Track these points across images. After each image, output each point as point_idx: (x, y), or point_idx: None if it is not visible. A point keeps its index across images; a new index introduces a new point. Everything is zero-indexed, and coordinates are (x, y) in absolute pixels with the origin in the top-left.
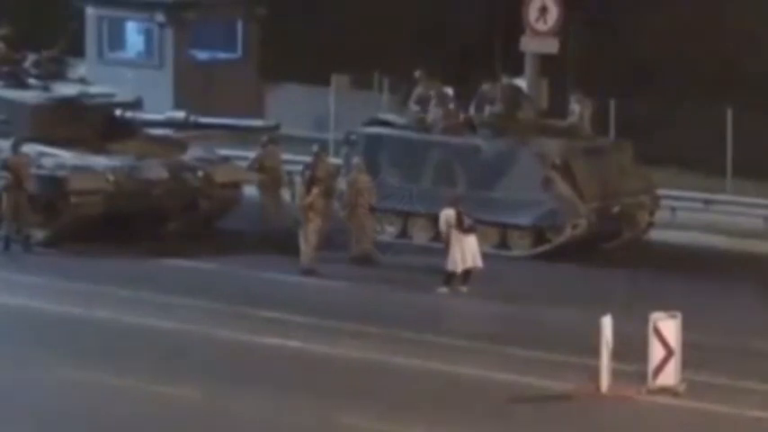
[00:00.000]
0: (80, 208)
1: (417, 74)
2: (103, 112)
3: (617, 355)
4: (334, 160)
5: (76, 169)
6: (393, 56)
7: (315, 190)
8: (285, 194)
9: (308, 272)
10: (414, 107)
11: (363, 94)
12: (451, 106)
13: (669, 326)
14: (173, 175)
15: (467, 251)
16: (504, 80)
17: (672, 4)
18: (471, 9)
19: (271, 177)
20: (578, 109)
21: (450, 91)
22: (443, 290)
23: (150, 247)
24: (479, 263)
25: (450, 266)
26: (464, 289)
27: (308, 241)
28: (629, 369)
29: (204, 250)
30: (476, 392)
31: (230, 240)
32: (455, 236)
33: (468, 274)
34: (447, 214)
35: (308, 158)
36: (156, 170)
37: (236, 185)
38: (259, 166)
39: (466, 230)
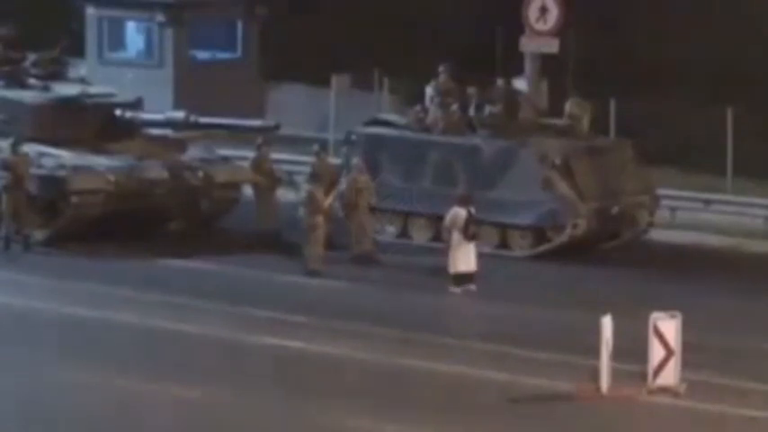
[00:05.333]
0: (80, 208)
1: (442, 68)
2: (103, 112)
3: (617, 355)
4: (334, 160)
5: (76, 169)
6: (393, 56)
7: (333, 193)
8: (287, 194)
9: (314, 273)
10: (430, 92)
11: (363, 94)
12: (454, 107)
13: (669, 326)
14: (173, 175)
15: (464, 255)
16: (500, 82)
17: (672, 3)
18: (471, 9)
19: (267, 179)
20: (577, 111)
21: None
22: (456, 290)
23: (150, 247)
24: (473, 267)
25: (451, 269)
26: (473, 287)
27: (317, 243)
28: (629, 369)
29: (204, 250)
30: (476, 392)
31: (230, 240)
32: (457, 239)
33: (470, 274)
34: (457, 213)
35: (308, 158)
36: (156, 170)
37: (236, 185)
38: (255, 169)
39: (470, 238)
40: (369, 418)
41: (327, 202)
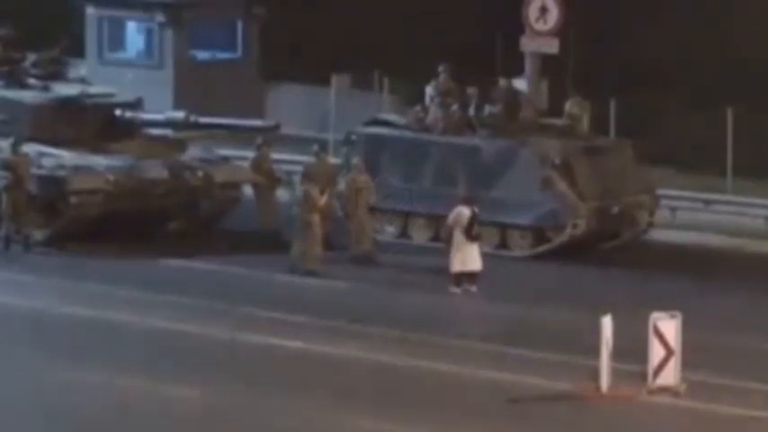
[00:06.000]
0: (80, 208)
1: (441, 68)
2: (103, 112)
3: (617, 355)
4: (334, 160)
5: (76, 169)
6: (393, 56)
7: (328, 192)
8: (284, 195)
9: (312, 273)
10: (431, 92)
11: (363, 94)
12: (454, 107)
13: (669, 326)
14: (173, 175)
15: (467, 255)
16: (503, 82)
17: (672, 4)
18: (471, 9)
19: (266, 179)
20: (576, 112)
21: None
22: (456, 290)
23: (150, 247)
24: (479, 266)
25: (451, 268)
26: (474, 288)
27: (314, 242)
28: (629, 369)
29: (204, 250)
30: (476, 392)
31: (230, 240)
32: (459, 238)
33: (474, 274)
34: (461, 213)
35: (307, 159)
36: (156, 170)
37: (236, 185)
38: (255, 169)
39: (472, 238)
40: (369, 417)
41: (322, 200)
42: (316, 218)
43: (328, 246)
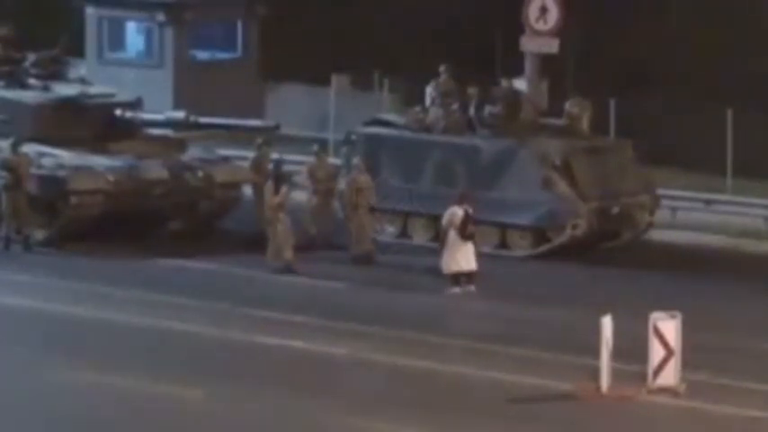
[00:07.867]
0: (80, 208)
1: (442, 68)
2: (103, 112)
3: (617, 355)
4: (334, 160)
5: (76, 169)
6: (393, 56)
7: (284, 188)
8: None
9: (280, 270)
10: (431, 92)
11: (363, 94)
12: (454, 107)
13: (669, 326)
14: (173, 175)
15: (461, 255)
16: (504, 82)
17: (672, 4)
18: (471, 9)
19: (266, 179)
20: (576, 112)
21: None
22: (455, 290)
23: (150, 247)
24: (473, 266)
25: (445, 269)
26: (472, 288)
27: (277, 241)
28: (629, 369)
29: (204, 250)
30: (476, 392)
31: (230, 240)
32: (453, 237)
33: (471, 273)
34: (454, 212)
35: (308, 158)
36: (156, 170)
37: (236, 185)
38: (255, 169)
39: (465, 237)
40: (368, 417)
41: (278, 198)
42: (278, 216)
43: (328, 245)
